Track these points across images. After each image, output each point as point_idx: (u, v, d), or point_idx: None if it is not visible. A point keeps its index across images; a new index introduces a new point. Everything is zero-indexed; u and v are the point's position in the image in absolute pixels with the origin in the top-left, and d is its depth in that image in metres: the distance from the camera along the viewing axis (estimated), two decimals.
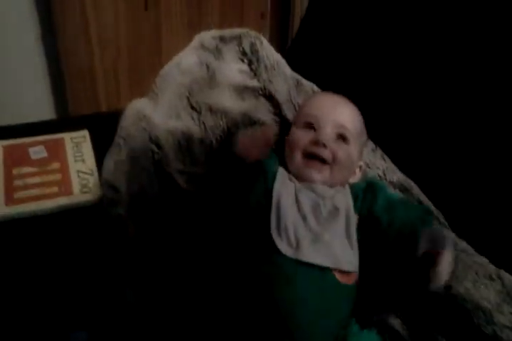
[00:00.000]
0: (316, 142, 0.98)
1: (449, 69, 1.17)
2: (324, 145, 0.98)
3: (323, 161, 0.99)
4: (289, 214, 0.93)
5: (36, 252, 0.97)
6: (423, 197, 1.13)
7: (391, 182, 1.17)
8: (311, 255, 0.89)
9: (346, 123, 1.01)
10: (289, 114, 1.22)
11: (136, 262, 0.93)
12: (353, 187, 1.02)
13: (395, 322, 0.95)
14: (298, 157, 1.00)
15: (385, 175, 1.18)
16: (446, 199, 1.14)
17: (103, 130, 1.17)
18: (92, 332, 0.87)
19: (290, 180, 0.99)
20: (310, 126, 1.02)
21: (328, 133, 0.99)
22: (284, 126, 1.18)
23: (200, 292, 0.94)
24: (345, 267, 0.90)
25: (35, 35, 1.69)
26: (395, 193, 1.10)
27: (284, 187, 0.97)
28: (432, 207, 1.11)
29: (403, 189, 1.16)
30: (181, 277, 0.96)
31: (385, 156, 1.22)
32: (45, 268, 0.96)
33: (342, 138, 1.00)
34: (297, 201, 0.95)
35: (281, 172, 1.01)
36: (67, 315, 0.89)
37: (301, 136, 1.01)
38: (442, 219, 1.09)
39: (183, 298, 0.94)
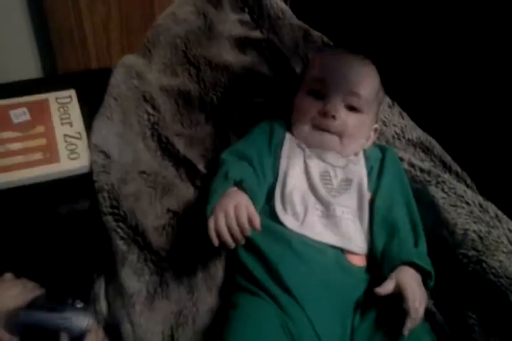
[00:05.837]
0: (325, 114, 0.89)
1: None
2: (333, 117, 0.89)
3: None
4: (296, 183, 0.85)
5: (21, 225, 0.88)
6: (447, 158, 1.04)
7: (410, 140, 1.08)
8: (321, 233, 0.81)
9: (359, 89, 0.91)
10: (297, 68, 1.13)
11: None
12: (368, 157, 0.93)
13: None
14: (306, 128, 0.91)
15: (403, 132, 1.09)
16: (472, 159, 1.05)
17: (92, 89, 1.06)
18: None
19: (299, 146, 0.91)
20: (318, 93, 0.92)
21: (337, 102, 0.90)
22: (292, 81, 1.07)
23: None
24: (357, 249, 0.82)
25: None
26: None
27: (292, 152, 0.89)
28: (458, 169, 1.02)
29: (424, 148, 1.07)
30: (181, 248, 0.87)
31: (403, 113, 1.12)
32: (31, 241, 0.88)
33: (353, 108, 0.91)
34: (306, 169, 0.87)
35: (288, 137, 0.92)
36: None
37: (309, 106, 0.92)
38: (469, 182, 1.00)
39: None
